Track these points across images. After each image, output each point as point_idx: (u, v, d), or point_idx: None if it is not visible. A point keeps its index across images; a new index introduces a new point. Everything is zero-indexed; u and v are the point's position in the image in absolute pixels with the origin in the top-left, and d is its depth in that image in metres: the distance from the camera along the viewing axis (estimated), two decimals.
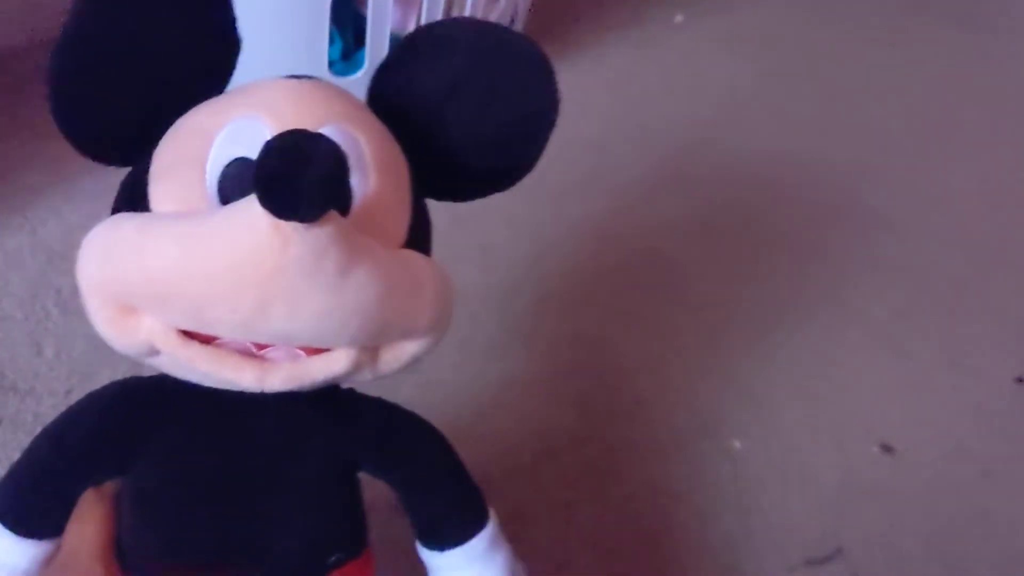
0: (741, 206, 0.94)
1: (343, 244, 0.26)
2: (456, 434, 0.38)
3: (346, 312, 0.27)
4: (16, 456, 0.35)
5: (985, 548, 0.63)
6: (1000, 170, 1.10)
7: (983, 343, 0.81)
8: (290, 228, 0.25)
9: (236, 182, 0.28)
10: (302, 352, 0.30)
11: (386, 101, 0.34)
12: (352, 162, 0.27)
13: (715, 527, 0.61)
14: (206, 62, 0.31)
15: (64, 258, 0.69)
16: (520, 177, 0.35)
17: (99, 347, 0.64)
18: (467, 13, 0.88)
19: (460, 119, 0.33)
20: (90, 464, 0.34)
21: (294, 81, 0.31)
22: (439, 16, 0.85)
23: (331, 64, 0.87)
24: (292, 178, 0.24)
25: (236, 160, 0.29)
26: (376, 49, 0.84)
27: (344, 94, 0.32)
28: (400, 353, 0.31)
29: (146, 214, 0.29)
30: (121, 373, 0.36)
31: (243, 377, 0.29)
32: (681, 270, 0.83)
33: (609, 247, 0.84)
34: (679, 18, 1.29)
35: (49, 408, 0.58)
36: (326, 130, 0.28)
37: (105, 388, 0.35)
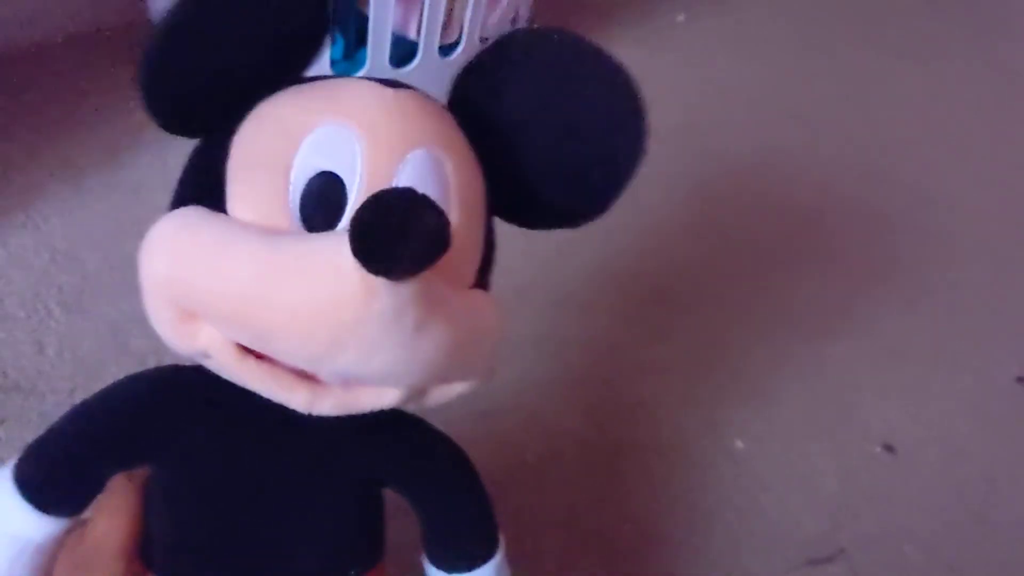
0: (744, 206, 0.94)
1: (424, 300, 0.26)
2: (462, 434, 0.38)
3: (414, 363, 0.27)
4: (18, 455, 0.34)
5: (986, 548, 0.63)
6: (1003, 170, 1.10)
7: (984, 343, 0.81)
8: (378, 282, 0.24)
9: (319, 202, 0.28)
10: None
11: (468, 105, 0.33)
12: (438, 196, 0.26)
13: (717, 527, 0.61)
14: (296, 36, 0.30)
15: (67, 256, 0.69)
16: (594, 216, 0.34)
17: (102, 345, 0.64)
18: (468, 13, 0.87)
19: (540, 142, 0.32)
20: (115, 449, 0.34)
21: (386, 90, 0.30)
22: (440, 16, 0.85)
23: (332, 63, 0.87)
24: (393, 238, 0.23)
25: (321, 173, 0.28)
26: (377, 48, 0.84)
27: (433, 105, 0.31)
28: (449, 392, 0.31)
29: (224, 219, 0.28)
30: (124, 372, 0.36)
31: (294, 398, 0.29)
32: (681, 271, 0.83)
33: (619, 249, 0.84)
34: (680, 17, 1.29)
35: (52, 407, 0.58)
36: (418, 152, 0.28)
37: (143, 374, 0.35)
